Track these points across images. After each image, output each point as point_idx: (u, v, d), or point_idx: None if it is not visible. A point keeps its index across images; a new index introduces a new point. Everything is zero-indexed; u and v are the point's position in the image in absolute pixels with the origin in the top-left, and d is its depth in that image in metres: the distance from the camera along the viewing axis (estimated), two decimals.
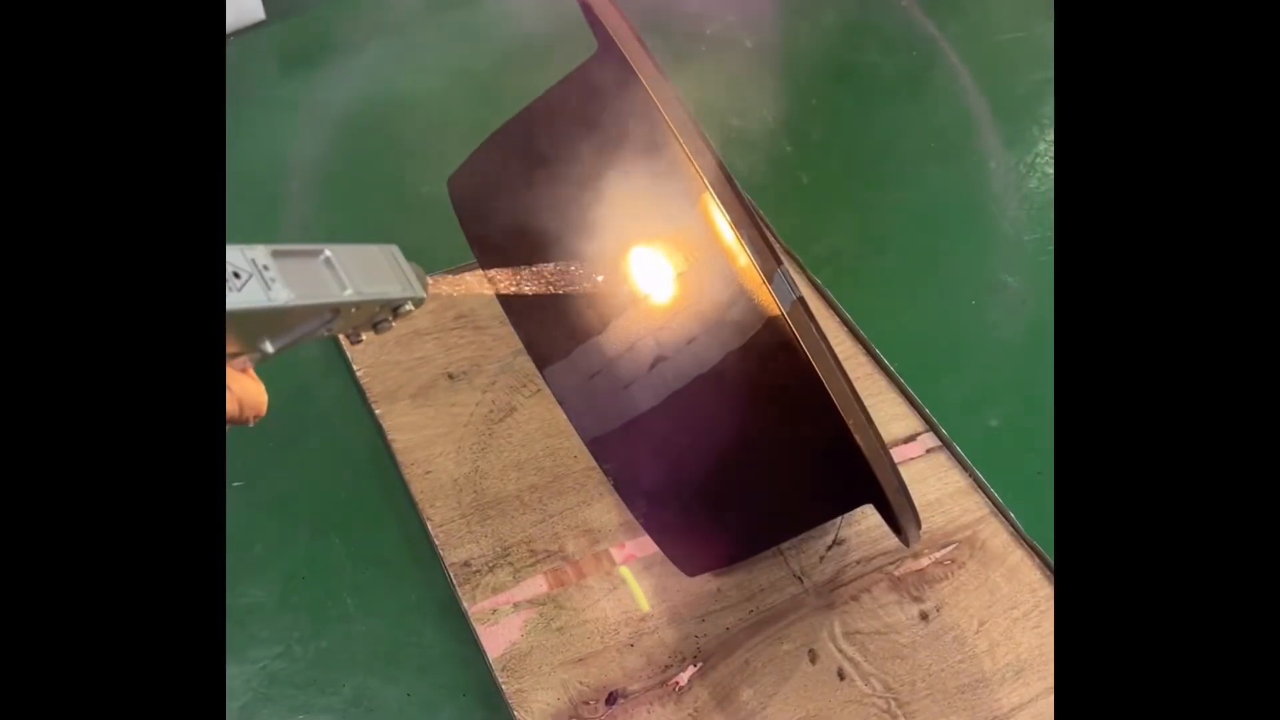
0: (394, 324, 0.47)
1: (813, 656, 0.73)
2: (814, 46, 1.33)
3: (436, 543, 0.76)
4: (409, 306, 0.47)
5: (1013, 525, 0.82)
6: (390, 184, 1.05)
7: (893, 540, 0.79)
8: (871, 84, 1.29)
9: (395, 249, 0.48)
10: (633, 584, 0.75)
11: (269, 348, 0.42)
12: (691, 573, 0.74)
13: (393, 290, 0.46)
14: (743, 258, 0.53)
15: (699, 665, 0.72)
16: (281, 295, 0.39)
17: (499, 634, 0.72)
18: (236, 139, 0.99)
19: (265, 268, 0.39)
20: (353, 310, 0.44)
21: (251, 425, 0.43)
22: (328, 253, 0.43)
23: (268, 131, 1.11)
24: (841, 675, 0.73)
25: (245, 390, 0.42)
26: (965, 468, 0.86)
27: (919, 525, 0.62)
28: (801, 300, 0.53)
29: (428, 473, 0.81)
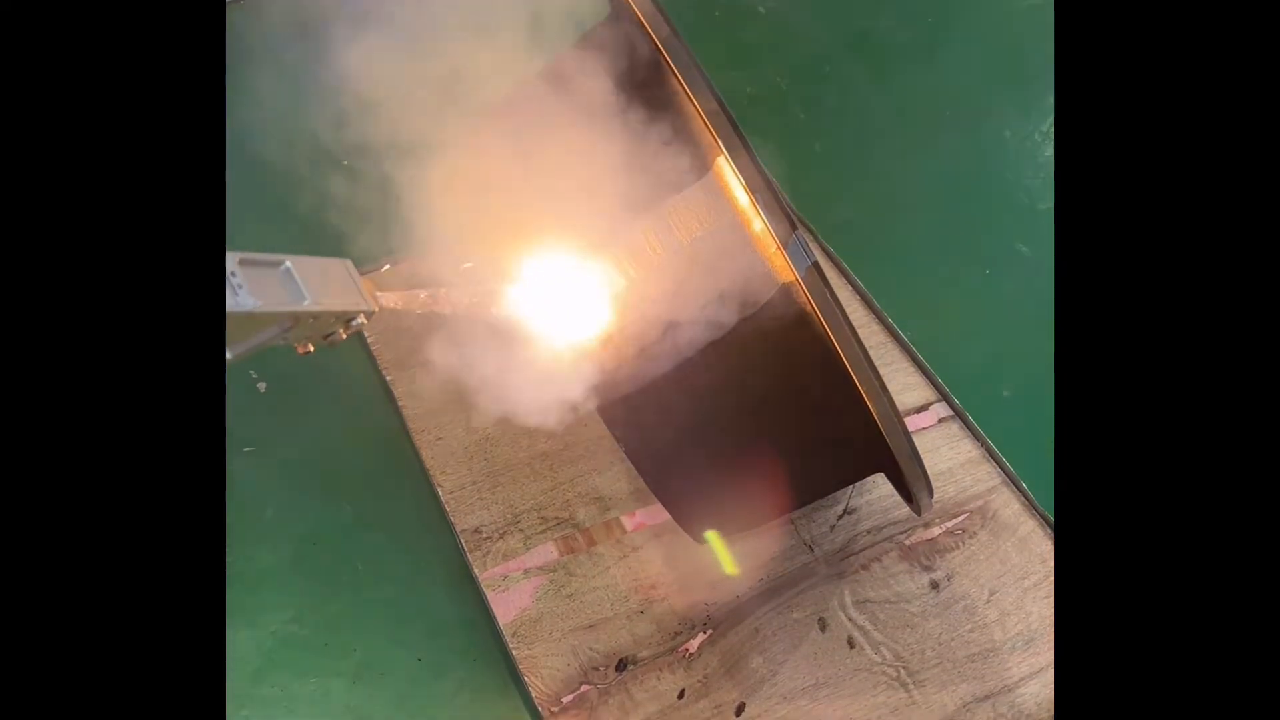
0: (344, 336, 0.48)
1: (823, 625, 0.73)
2: (828, 12, 1.31)
3: (447, 509, 0.77)
4: (360, 319, 0.48)
5: (1024, 495, 0.82)
6: (402, 152, 1.04)
7: (904, 509, 0.79)
8: (886, 51, 1.27)
9: (349, 263, 0.49)
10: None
11: (227, 354, 0.43)
12: (702, 540, 0.74)
13: (348, 302, 0.48)
14: (758, 222, 0.52)
15: (709, 633, 0.72)
16: (248, 302, 0.40)
17: (510, 600, 0.72)
18: (245, 105, 0.98)
19: (233, 274, 0.40)
20: (310, 320, 0.45)
21: None
22: (288, 264, 0.44)
23: (278, 96, 1.10)
24: (851, 644, 0.73)
25: None
26: (977, 437, 0.86)
27: (931, 493, 0.62)
28: (817, 265, 0.52)
29: (439, 440, 0.80)
